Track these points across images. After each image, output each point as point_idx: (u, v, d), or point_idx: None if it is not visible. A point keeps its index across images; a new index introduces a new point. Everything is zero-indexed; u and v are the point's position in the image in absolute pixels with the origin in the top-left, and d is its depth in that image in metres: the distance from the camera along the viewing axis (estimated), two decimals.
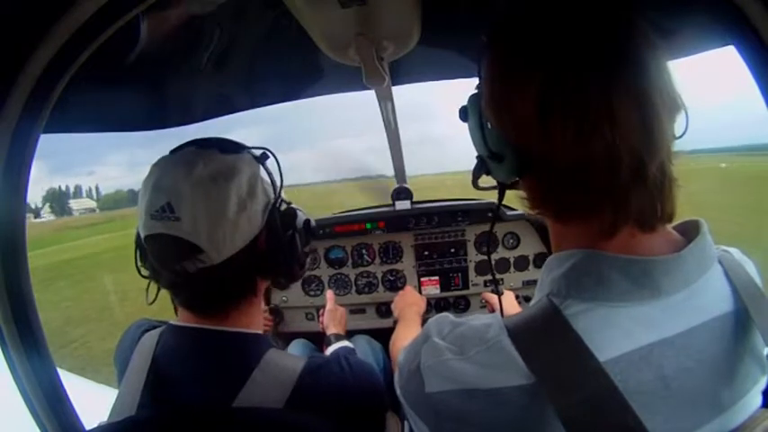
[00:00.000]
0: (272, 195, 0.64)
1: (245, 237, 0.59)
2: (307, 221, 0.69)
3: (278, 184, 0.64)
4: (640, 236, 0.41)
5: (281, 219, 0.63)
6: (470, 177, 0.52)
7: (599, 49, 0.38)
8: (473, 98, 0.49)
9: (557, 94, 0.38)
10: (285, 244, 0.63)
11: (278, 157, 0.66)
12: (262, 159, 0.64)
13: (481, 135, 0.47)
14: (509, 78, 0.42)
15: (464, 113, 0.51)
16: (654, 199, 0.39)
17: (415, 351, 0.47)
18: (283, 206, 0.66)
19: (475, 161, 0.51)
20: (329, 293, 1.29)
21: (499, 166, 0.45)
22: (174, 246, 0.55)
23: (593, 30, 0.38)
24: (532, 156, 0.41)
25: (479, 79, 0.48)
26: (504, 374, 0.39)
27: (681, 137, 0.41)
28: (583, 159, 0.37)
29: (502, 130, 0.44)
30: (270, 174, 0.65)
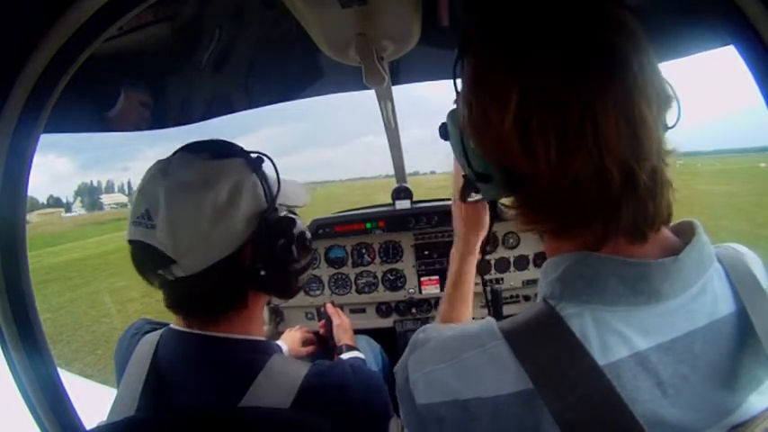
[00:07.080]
0: (266, 203, 0.60)
1: (224, 248, 0.56)
2: (301, 234, 0.63)
3: (274, 190, 0.61)
4: (633, 244, 0.39)
5: (271, 229, 0.59)
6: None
7: (579, 59, 0.35)
8: (453, 114, 0.45)
9: (536, 111, 0.35)
10: (275, 257, 0.59)
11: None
12: (255, 165, 0.61)
13: (464, 156, 0.44)
14: (486, 94, 0.39)
15: (444, 131, 0.48)
16: (646, 206, 0.37)
17: (403, 363, 0.46)
18: (283, 213, 0.62)
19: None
20: (329, 307, 1.25)
21: (487, 187, 0.43)
22: (150, 254, 0.54)
23: (572, 38, 0.35)
24: (520, 175, 0.39)
25: (456, 95, 0.45)
26: (497, 382, 0.38)
27: (673, 127, 0.39)
28: (570, 178, 0.36)
29: (484, 149, 0.41)
30: (264, 180, 0.61)
